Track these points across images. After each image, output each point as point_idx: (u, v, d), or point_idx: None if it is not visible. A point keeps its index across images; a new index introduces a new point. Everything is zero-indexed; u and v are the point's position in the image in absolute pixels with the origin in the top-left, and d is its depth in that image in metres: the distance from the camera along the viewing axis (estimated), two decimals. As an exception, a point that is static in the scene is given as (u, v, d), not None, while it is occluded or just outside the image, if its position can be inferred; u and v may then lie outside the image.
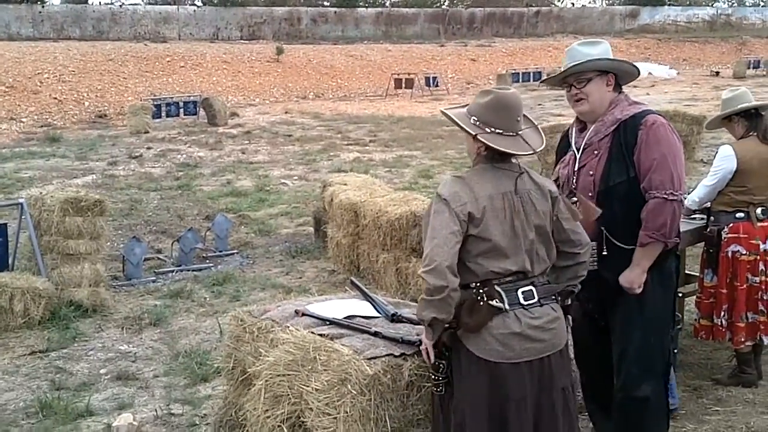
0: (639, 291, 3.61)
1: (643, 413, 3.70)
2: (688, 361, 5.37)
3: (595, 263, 3.64)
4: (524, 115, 3.22)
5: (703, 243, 5.06)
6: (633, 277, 3.59)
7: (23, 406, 5.24)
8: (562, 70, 3.81)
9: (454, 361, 3.09)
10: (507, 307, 3.01)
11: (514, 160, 3.19)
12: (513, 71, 35.56)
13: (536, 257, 3.12)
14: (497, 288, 3.02)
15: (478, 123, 3.11)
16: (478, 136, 3.09)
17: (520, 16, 50.89)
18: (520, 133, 3.14)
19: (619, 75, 3.78)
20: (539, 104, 23.51)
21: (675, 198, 3.53)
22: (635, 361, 3.68)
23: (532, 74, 33.72)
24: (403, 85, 32.10)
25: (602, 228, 3.60)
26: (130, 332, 6.71)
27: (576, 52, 3.75)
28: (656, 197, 3.51)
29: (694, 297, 5.27)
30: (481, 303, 3.00)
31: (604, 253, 3.62)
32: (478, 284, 3.03)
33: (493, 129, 3.09)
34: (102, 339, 6.55)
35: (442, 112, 3.40)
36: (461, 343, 3.05)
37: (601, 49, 3.75)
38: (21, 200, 7.49)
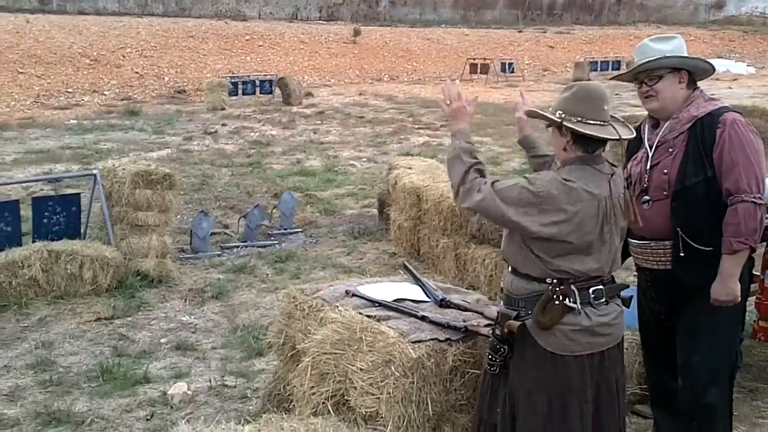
0: (739, 300, 3.53)
1: (709, 418, 3.64)
2: (746, 362, 5.23)
3: (668, 263, 3.59)
4: (613, 115, 3.18)
5: (766, 243, 4.92)
6: (731, 289, 3.47)
7: (86, 370, 5.45)
8: (633, 66, 3.74)
9: (517, 348, 3.11)
10: (579, 306, 3.03)
11: (606, 160, 3.16)
12: (591, 59, 34.85)
13: (616, 261, 3.17)
14: (572, 287, 3.03)
15: (563, 115, 3.07)
16: (565, 123, 3.05)
17: (602, 4, 49.87)
18: (609, 122, 3.10)
19: (693, 72, 3.68)
20: (616, 94, 23.00)
21: (762, 201, 3.44)
22: (704, 366, 3.61)
23: (611, 63, 33.01)
24: (479, 70, 31.88)
25: (677, 228, 3.51)
26: (193, 304, 6.89)
27: (647, 48, 3.67)
28: (745, 201, 3.39)
29: (754, 298, 5.14)
30: (557, 302, 3.01)
31: (681, 254, 3.53)
32: (555, 281, 3.04)
33: (578, 119, 3.05)
34: (165, 309, 6.74)
35: (528, 112, 3.42)
36: (528, 333, 3.07)
37: (674, 45, 3.66)
38: (95, 171, 7.74)
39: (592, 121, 3.05)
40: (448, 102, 3.27)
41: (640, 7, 50.74)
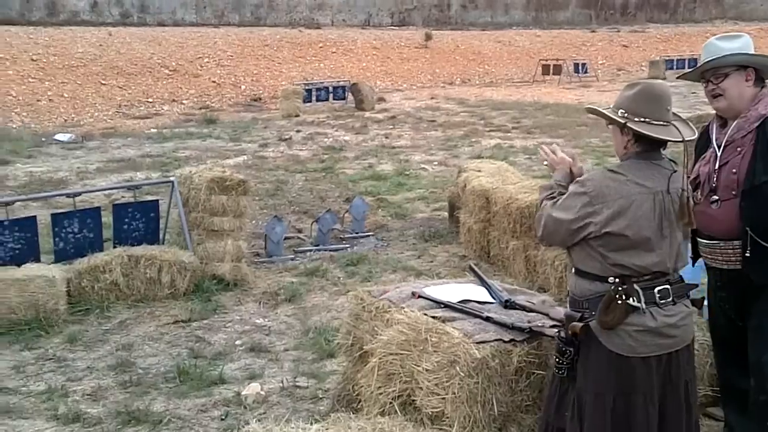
0: None
1: None
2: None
3: (738, 263, 3.57)
4: (677, 115, 3.18)
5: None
6: None
7: (163, 371, 5.64)
8: (699, 65, 3.72)
9: (582, 350, 3.12)
10: (644, 306, 3.01)
11: (666, 157, 3.17)
12: (667, 58, 34.06)
13: (679, 257, 3.14)
14: (636, 286, 3.02)
15: (626, 114, 3.08)
16: (628, 124, 3.06)
17: (677, 1, 48.70)
18: (672, 123, 3.10)
19: (761, 69, 3.64)
20: (693, 92, 22.53)
21: None
22: None
23: (687, 61, 32.08)
24: (551, 72, 31.56)
25: (747, 228, 3.49)
26: (267, 307, 7.04)
27: (713, 47, 3.66)
28: None
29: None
30: (619, 302, 3.00)
31: (747, 254, 3.50)
32: (617, 280, 3.04)
33: (642, 119, 3.05)
34: (240, 312, 6.91)
35: (588, 109, 3.45)
36: (593, 334, 3.07)
37: (741, 44, 3.63)
38: (172, 178, 7.99)
39: (655, 122, 3.05)
40: (548, 160, 3.43)
41: (716, 3, 49.32)
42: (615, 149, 3.26)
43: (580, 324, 3.07)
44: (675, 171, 3.10)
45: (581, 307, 3.15)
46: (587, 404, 3.09)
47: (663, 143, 3.12)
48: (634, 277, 3.03)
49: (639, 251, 3.02)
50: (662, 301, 3.05)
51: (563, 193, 3.19)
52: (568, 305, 3.32)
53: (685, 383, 3.15)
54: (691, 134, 3.16)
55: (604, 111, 3.19)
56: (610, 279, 3.05)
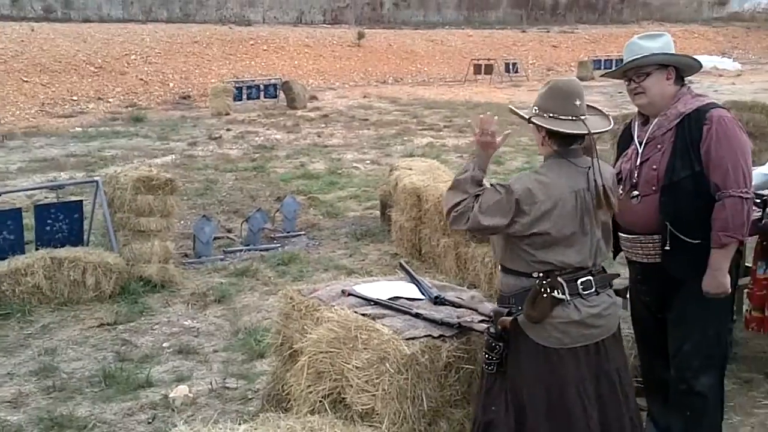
0: (729, 292, 3.61)
1: (701, 406, 3.71)
2: (742, 353, 5.26)
3: (657, 257, 3.66)
4: (590, 105, 3.28)
5: (758, 235, 4.93)
6: (720, 282, 3.54)
7: (88, 375, 5.48)
8: (622, 64, 3.80)
9: (511, 344, 3.18)
10: (568, 298, 3.09)
11: (580, 154, 3.23)
12: (595, 58, 34.82)
13: (599, 252, 3.24)
14: (559, 279, 3.09)
15: (537, 111, 3.18)
16: (532, 119, 3.16)
17: (605, 3, 49.80)
18: (581, 117, 3.16)
19: (681, 68, 3.74)
20: (619, 92, 23.01)
21: (749, 196, 3.51)
22: (694, 354, 3.68)
23: (614, 61, 32.72)
24: (483, 71, 31.88)
25: (666, 222, 3.57)
26: (195, 308, 6.92)
27: (635, 46, 3.74)
28: (732, 196, 3.46)
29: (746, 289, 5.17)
30: (545, 295, 3.07)
31: (667, 247, 3.60)
32: (542, 275, 3.12)
33: (550, 114, 3.14)
34: (168, 314, 6.77)
35: (509, 109, 3.50)
36: (521, 328, 3.14)
37: (662, 43, 3.72)
38: (97, 178, 7.80)
39: (563, 117, 3.14)
40: (480, 133, 3.28)
41: (643, 5, 50.59)
42: (537, 147, 3.35)
43: (509, 318, 3.14)
44: (591, 167, 3.17)
45: (508, 303, 3.23)
46: (525, 397, 3.15)
47: (577, 139, 3.19)
48: (557, 271, 3.11)
49: (562, 248, 3.12)
50: (585, 292, 3.13)
51: (480, 183, 3.23)
52: (496, 302, 3.39)
53: (617, 370, 3.24)
54: (604, 125, 3.28)
55: (518, 111, 3.30)
56: (534, 274, 3.13)
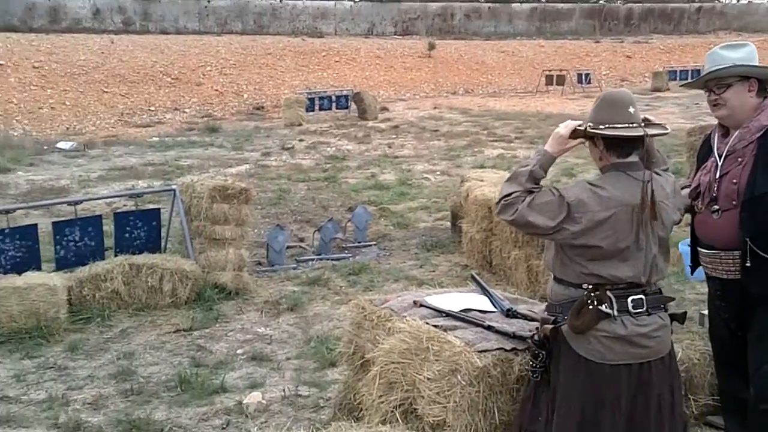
0: None
1: None
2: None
3: (738, 273, 3.57)
4: (646, 118, 3.18)
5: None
6: None
7: (165, 380, 5.63)
8: (703, 74, 3.73)
9: (554, 353, 3.15)
10: (615, 313, 3.03)
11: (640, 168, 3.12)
12: (670, 69, 34.10)
13: (655, 269, 3.14)
14: (609, 294, 3.04)
15: (591, 126, 3.12)
16: (589, 129, 3.09)
17: (681, 12, 48.76)
18: (637, 124, 3.10)
19: (764, 80, 3.63)
20: (696, 103, 22.55)
21: None
22: None
23: (690, 72, 32.11)
24: (554, 82, 31.51)
25: (747, 238, 3.48)
26: (268, 316, 7.03)
27: (717, 56, 3.67)
28: None
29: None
30: (591, 306, 3.03)
31: (748, 264, 3.49)
32: (591, 287, 3.06)
33: (606, 125, 3.08)
34: (242, 321, 6.90)
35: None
36: (564, 338, 3.11)
37: (744, 53, 3.64)
38: (174, 187, 7.99)
39: (619, 125, 3.07)
40: (565, 125, 3.22)
41: (720, 15, 49.33)
42: (596, 165, 3.28)
43: (551, 326, 3.12)
44: (650, 180, 3.05)
45: (555, 311, 3.20)
46: (558, 409, 3.11)
47: (635, 148, 3.10)
48: (608, 285, 3.05)
49: (615, 262, 3.05)
50: (635, 311, 3.06)
51: (537, 181, 3.16)
52: (545, 309, 3.36)
53: (657, 396, 3.12)
54: (661, 130, 3.17)
55: (573, 127, 3.19)
56: (584, 285, 3.08)
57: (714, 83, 3.64)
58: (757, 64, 3.65)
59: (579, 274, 3.09)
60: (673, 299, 3.27)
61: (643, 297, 3.08)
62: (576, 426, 3.06)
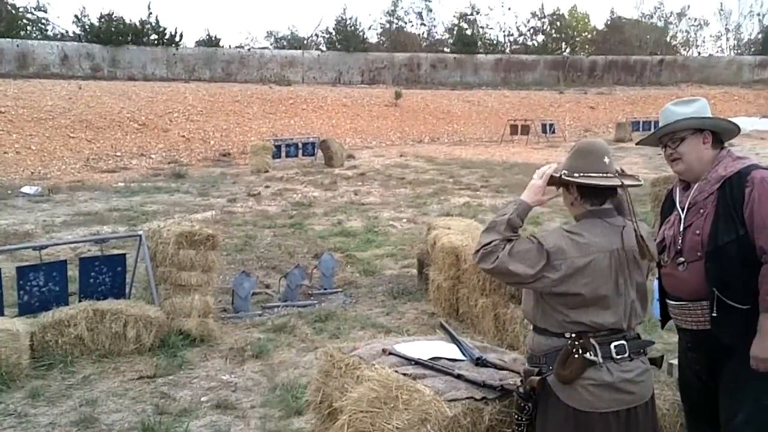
0: None
1: None
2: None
3: (707, 323, 3.56)
4: (621, 170, 3.23)
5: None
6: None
7: (128, 428, 5.52)
8: (655, 130, 3.79)
9: (540, 405, 3.12)
10: (600, 360, 3.03)
11: (615, 214, 3.20)
12: (633, 119, 34.83)
13: (634, 314, 3.16)
14: (592, 341, 3.04)
15: (566, 173, 3.16)
16: (563, 176, 3.13)
17: (643, 65, 49.91)
18: (611, 174, 3.16)
19: (718, 132, 3.69)
20: (658, 154, 22.84)
21: None
22: (747, 424, 3.52)
23: (653, 123, 32.76)
24: (519, 132, 32.06)
25: (713, 288, 3.48)
26: (233, 363, 6.95)
27: (669, 113, 3.71)
28: None
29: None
30: (576, 355, 3.03)
31: (715, 314, 3.50)
32: (574, 335, 3.06)
33: (581, 173, 3.13)
34: (206, 368, 6.81)
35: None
36: (551, 389, 3.09)
37: (696, 107, 3.68)
38: (140, 232, 7.94)
39: (594, 174, 3.13)
40: (541, 175, 3.27)
41: (682, 67, 50.55)
42: (569, 210, 3.32)
43: (537, 378, 3.09)
44: (625, 226, 3.13)
45: (539, 362, 3.18)
46: None
47: (608, 196, 3.18)
48: (590, 332, 3.06)
49: (596, 309, 3.06)
50: (618, 357, 3.07)
51: (515, 229, 3.18)
52: (525, 361, 3.34)
53: None
54: (634, 181, 3.24)
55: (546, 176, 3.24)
56: (567, 334, 3.08)
57: (668, 138, 3.69)
58: (709, 116, 3.70)
59: (561, 322, 3.09)
60: (652, 343, 3.29)
61: (624, 342, 3.09)
62: None
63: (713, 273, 3.49)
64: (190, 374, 6.66)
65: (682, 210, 3.70)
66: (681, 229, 3.66)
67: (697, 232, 3.58)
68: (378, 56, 45.27)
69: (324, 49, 47.55)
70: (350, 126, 33.22)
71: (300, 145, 24.70)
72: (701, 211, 3.60)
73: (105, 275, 7.47)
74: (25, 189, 18.13)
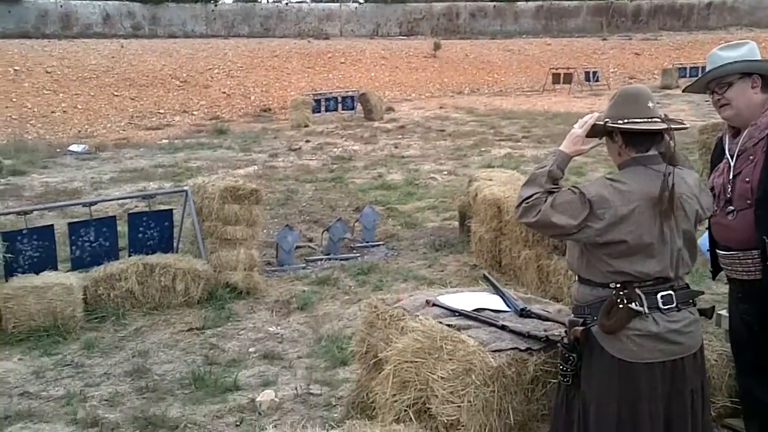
0: None
1: None
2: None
3: (758, 273, 3.50)
4: (665, 115, 3.15)
5: None
6: None
7: (179, 378, 5.71)
8: (701, 75, 3.70)
9: (585, 356, 3.09)
10: (646, 310, 2.98)
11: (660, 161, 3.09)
12: (680, 66, 33.84)
13: (681, 262, 3.09)
14: (638, 291, 2.99)
15: (610, 121, 3.10)
16: (609, 123, 3.08)
17: (690, 8, 48.34)
18: (656, 118, 3.08)
19: (766, 75, 3.58)
20: (706, 101, 22.38)
21: None
22: None
23: (701, 69, 31.78)
24: (561, 80, 31.42)
25: (764, 237, 3.41)
26: (279, 315, 7.11)
27: (716, 57, 3.62)
28: None
29: None
30: (621, 306, 2.98)
31: (766, 263, 3.43)
32: (618, 285, 3.02)
33: (624, 120, 3.07)
34: (253, 320, 6.97)
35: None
36: (595, 340, 3.06)
37: (744, 51, 3.58)
38: (186, 188, 8.07)
39: (638, 119, 3.06)
40: (582, 124, 3.23)
41: (731, 10, 48.79)
42: (613, 161, 3.25)
43: (581, 329, 3.06)
44: (671, 173, 3.01)
45: (583, 313, 3.14)
46: (592, 413, 3.06)
47: (654, 142, 3.10)
48: (635, 282, 3.01)
49: (641, 257, 3.00)
50: (665, 307, 3.01)
51: (556, 181, 3.16)
52: (570, 313, 3.32)
53: (691, 392, 3.09)
54: (680, 126, 3.15)
55: (590, 123, 3.19)
56: (611, 284, 3.03)
57: (715, 84, 3.60)
58: (758, 59, 3.59)
59: (605, 273, 3.04)
60: (702, 293, 3.21)
61: (672, 293, 3.03)
62: (615, 427, 3.01)
63: (763, 221, 3.42)
64: (237, 326, 6.82)
65: (732, 157, 3.62)
66: (731, 177, 3.59)
67: (747, 179, 3.51)
68: (416, 7, 44.60)
69: (361, 1, 47.03)
70: (389, 79, 32.98)
71: (339, 99, 24.61)
72: (751, 158, 3.52)
73: (153, 230, 7.63)
74: (73, 147, 18.42)
